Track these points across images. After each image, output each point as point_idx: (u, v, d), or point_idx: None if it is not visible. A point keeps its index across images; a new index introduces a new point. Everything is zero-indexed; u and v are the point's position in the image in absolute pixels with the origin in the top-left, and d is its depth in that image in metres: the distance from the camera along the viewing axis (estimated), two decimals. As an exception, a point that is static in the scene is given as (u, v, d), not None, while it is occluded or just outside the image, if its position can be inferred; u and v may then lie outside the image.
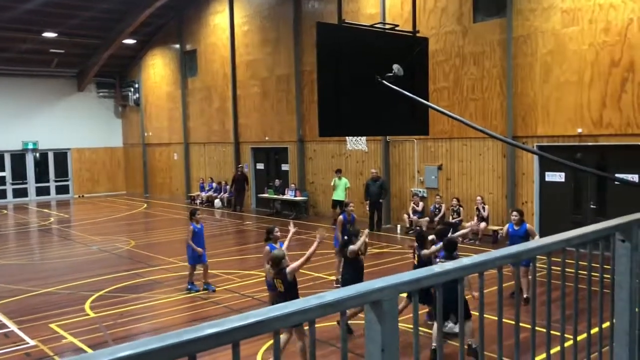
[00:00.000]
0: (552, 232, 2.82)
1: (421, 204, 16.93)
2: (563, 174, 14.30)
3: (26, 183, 30.19)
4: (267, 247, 8.66)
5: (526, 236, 9.58)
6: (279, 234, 8.91)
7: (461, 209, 15.63)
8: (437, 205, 16.38)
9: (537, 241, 2.60)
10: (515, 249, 2.45)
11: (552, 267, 2.63)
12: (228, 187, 24.04)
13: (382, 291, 1.83)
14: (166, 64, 28.73)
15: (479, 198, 15.23)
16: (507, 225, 10.32)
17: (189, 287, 10.96)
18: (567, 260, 2.67)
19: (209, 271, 11.20)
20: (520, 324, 2.56)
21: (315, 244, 7.35)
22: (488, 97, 15.46)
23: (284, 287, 7.00)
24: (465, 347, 7.31)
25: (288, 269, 6.89)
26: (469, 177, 16.18)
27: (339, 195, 18.36)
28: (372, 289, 1.80)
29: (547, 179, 14.59)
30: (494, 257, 2.36)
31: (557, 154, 9.62)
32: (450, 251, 8.02)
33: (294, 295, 6.92)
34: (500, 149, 15.36)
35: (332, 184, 19.00)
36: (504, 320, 2.46)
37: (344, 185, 18.46)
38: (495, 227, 15.13)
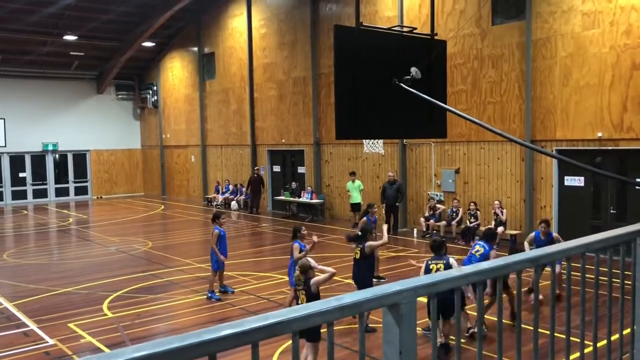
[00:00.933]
0: (570, 238, 2.79)
1: (439, 206, 16.85)
2: (582, 179, 14.14)
3: (46, 184, 30.60)
4: (296, 244, 8.86)
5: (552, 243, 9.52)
6: (305, 232, 9.20)
7: (478, 212, 15.52)
8: (454, 209, 16.29)
9: (557, 245, 2.57)
10: (534, 253, 2.43)
11: (572, 273, 2.61)
12: (244, 189, 24.14)
13: (400, 294, 1.83)
14: (184, 66, 28.97)
15: (496, 202, 15.11)
16: (532, 234, 10.17)
17: (210, 295, 10.66)
18: (586, 266, 2.64)
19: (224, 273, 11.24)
20: (540, 330, 2.54)
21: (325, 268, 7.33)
22: (506, 100, 15.35)
23: (307, 299, 6.81)
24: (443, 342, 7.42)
25: (312, 281, 6.77)
26: (486, 181, 16.07)
27: (355, 198, 18.43)
28: (390, 291, 1.80)
29: (566, 183, 14.43)
30: (513, 261, 2.35)
31: (577, 158, 9.51)
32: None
33: None
34: (518, 152, 15.23)
35: (346, 189, 19.00)
36: (523, 325, 2.44)
37: (358, 187, 18.51)
38: (514, 232, 15.00)
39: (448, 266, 7.43)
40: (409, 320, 1.86)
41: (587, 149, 13.74)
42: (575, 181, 14.25)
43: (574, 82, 13.81)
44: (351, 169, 19.63)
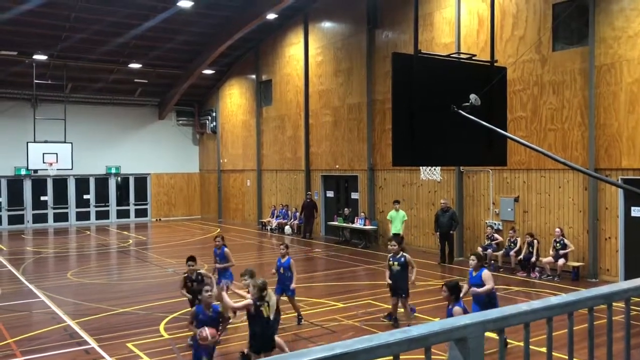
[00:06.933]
0: (638, 272, 2.65)
1: (497, 236, 16.39)
2: (651, 209, 13.48)
3: (108, 206, 31.75)
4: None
5: (482, 283, 8.81)
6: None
7: (535, 242, 15.00)
8: (511, 239, 15.82)
9: (633, 281, 2.45)
10: (608, 289, 2.32)
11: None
12: (297, 214, 24.29)
13: (466, 328, 1.79)
14: (242, 93, 29.70)
15: (557, 230, 14.54)
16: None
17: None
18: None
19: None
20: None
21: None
22: (568, 127, 14.91)
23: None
24: None
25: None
26: (547, 210, 15.55)
27: (396, 227, 17.56)
28: (458, 325, 1.76)
29: (633, 214, 13.79)
30: (585, 297, 2.25)
31: (645, 188, 9.08)
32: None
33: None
34: (581, 181, 14.70)
35: (388, 217, 18.17)
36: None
37: (402, 217, 17.75)
38: (576, 264, 14.41)
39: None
40: (476, 355, 1.80)
41: (656, 179, 13.12)
42: (643, 212, 13.59)
43: (641, 109, 13.28)
44: (406, 195, 19.42)
